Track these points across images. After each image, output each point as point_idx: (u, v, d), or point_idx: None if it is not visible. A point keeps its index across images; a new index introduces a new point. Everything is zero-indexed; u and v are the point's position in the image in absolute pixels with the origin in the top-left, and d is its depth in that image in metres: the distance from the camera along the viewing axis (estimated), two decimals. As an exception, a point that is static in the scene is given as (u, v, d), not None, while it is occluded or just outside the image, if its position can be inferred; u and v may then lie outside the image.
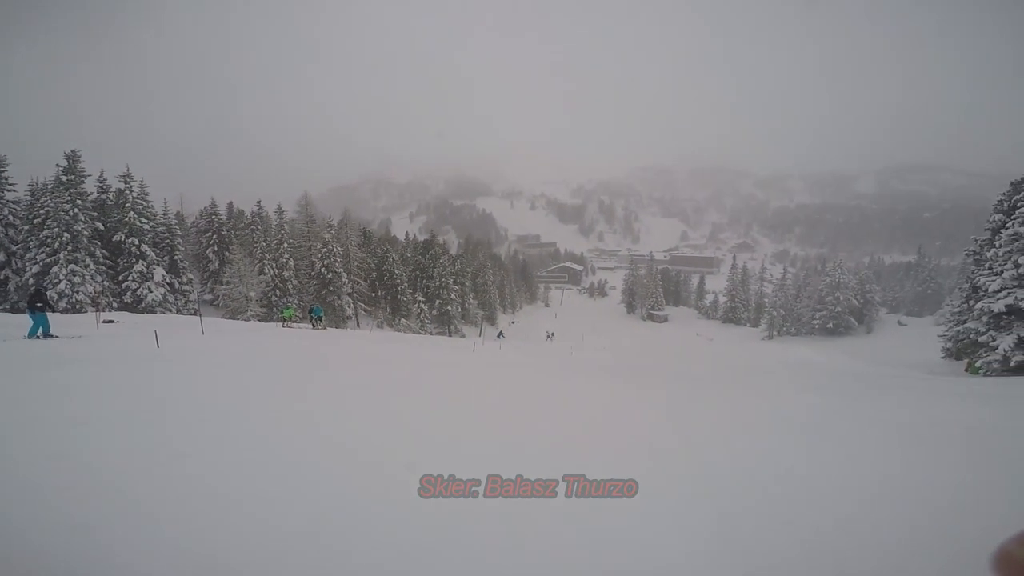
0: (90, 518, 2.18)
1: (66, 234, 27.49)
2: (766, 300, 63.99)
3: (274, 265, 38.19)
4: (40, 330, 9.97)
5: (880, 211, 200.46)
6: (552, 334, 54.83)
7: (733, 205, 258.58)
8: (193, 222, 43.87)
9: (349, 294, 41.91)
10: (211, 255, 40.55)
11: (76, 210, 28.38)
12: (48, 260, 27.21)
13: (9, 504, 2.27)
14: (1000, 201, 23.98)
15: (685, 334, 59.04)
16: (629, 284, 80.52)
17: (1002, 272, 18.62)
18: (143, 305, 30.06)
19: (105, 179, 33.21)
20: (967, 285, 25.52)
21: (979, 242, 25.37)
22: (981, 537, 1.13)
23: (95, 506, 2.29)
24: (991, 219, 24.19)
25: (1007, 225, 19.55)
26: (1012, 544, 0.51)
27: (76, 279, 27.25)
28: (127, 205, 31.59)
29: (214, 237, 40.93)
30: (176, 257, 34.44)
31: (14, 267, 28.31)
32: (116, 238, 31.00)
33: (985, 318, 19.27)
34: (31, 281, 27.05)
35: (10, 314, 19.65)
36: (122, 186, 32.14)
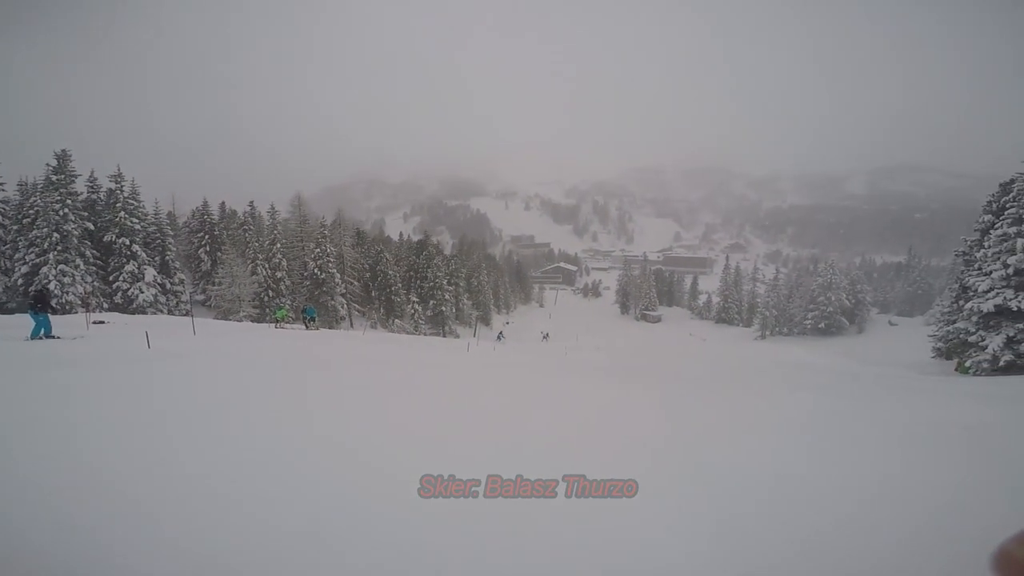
0: (90, 518, 2.17)
1: (56, 234, 27.18)
2: (759, 300, 64.60)
3: (267, 265, 37.93)
4: (42, 331, 9.98)
5: (871, 212, 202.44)
6: (548, 334, 54.97)
7: (726, 206, 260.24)
8: (185, 222, 43.42)
9: (343, 295, 41.74)
10: (203, 255, 40.23)
11: (66, 210, 28.08)
12: (37, 260, 26.88)
13: (9, 504, 2.26)
14: (989, 202, 24.21)
15: (679, 334, 59.31)
16: (623, 284, 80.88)
17: (991, 272, 18.85)
18: (134, 306, 29.79)
19: (96, 179, 32.87)
20: (957, 285, 25.86)
21: (969, 243, 25.66)
22: (981, 537, 1.15)
23: (95, 506, 2.28)
24: (980, 220, 24.48)
25: (996, 226, 19.81)
26: (1012, 544, 0.52)
27: (66, 279, 26.94)
28: (118, 205, 31.31)
29: (206, 237, 40.63)
30: (167, 257, 34.13)
31: (3, 268, 27.91)
32: (107, 238, 30.70)
33: (975, 318, 19.51)
34: (20, 281, 26.72)
35: (2, 315, 19.47)
36: (113, 186, 31.88)
